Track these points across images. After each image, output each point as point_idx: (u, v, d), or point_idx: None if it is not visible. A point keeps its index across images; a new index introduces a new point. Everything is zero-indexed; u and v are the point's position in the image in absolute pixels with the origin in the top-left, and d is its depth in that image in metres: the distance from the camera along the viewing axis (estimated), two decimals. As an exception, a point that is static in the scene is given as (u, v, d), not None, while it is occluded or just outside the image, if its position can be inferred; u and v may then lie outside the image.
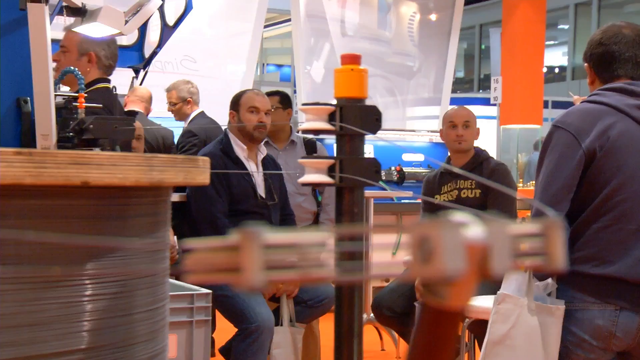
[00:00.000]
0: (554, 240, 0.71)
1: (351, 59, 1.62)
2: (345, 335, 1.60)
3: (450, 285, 0.71)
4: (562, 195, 2.56)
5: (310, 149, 5.03)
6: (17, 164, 1.36)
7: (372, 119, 1.61)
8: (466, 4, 11.21)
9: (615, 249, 2.55)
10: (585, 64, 2.77)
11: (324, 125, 1.58)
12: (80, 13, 2.88)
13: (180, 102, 6.26)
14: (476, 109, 4.52)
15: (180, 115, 6.33)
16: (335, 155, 1.64)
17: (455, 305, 0.74)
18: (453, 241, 0.66)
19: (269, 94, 4.80)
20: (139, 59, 4.47)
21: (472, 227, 0.70)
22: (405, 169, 7.76)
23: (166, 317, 1.78)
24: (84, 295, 1.53)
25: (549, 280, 2.67)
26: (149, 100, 6.00)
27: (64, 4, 2.88)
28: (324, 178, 1.58)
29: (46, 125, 2.49)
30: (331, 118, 1.61)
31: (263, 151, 4.34)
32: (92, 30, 2.95)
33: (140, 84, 4.82)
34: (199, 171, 1.64)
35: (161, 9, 3.78)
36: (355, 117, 1.59)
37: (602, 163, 2.55)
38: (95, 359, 1.56)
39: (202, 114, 6.27)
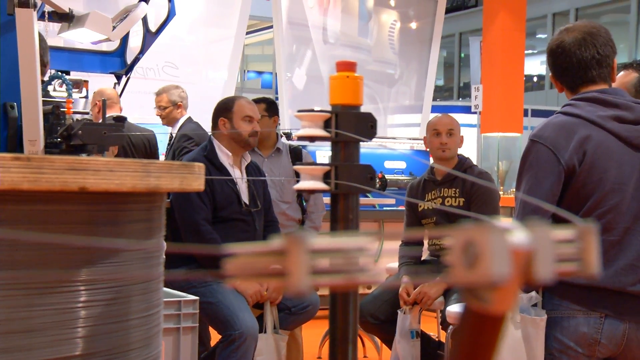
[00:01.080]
0: (588, 246, 0.71)
1: (346, 66, 1.62)
2: (340, 342, 1.59)
3: (494, 290, 0.72)
4: (543, 210, 2.57)
5: (296, 156, 5.03)
6: (14, 169, 1.36)
7: (367, 126, 1.61)
8: (446, 12, 11.29)
9: (599, 259, 2.56)
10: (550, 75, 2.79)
11: (320, 132, 1.58)
12: (67, 19, 2.86)
13: (171, 106, 6.22)
14: (457, 117, 4.55)
15: (169, 120, 6.27)
16: (330, 161, 1.64)
17: (499, 310, 0.75)
18: (499, 246, 0.67)
19: (255, 101, 4.79)
20: (121, 65, 4.45)
21: (517, 233, 0.71)
22: (387, 176, 7.78)
23: (160, 324, 1.77)
24: (78, 301, 1.52)
25: (533, 293, 2.69)
26: (119, 101, 5.94)
27: (49, 8, 2.86)
28: (319, 185, 1.58)
29: (34, 131, 2.48)
30: (326, 125, 1.61)
31: (247, 158, 4.33)
32: (80, 36, 2.93)
33: (122, 90, 4.80)
34: (194, 177, 1.63)
35: (144, 15, 3.76)
36: (350, 124, 1.60)
37: (582, 177, 2.57)
38: (89, 365, 1.55)
39: (190, 119, 6.26)
